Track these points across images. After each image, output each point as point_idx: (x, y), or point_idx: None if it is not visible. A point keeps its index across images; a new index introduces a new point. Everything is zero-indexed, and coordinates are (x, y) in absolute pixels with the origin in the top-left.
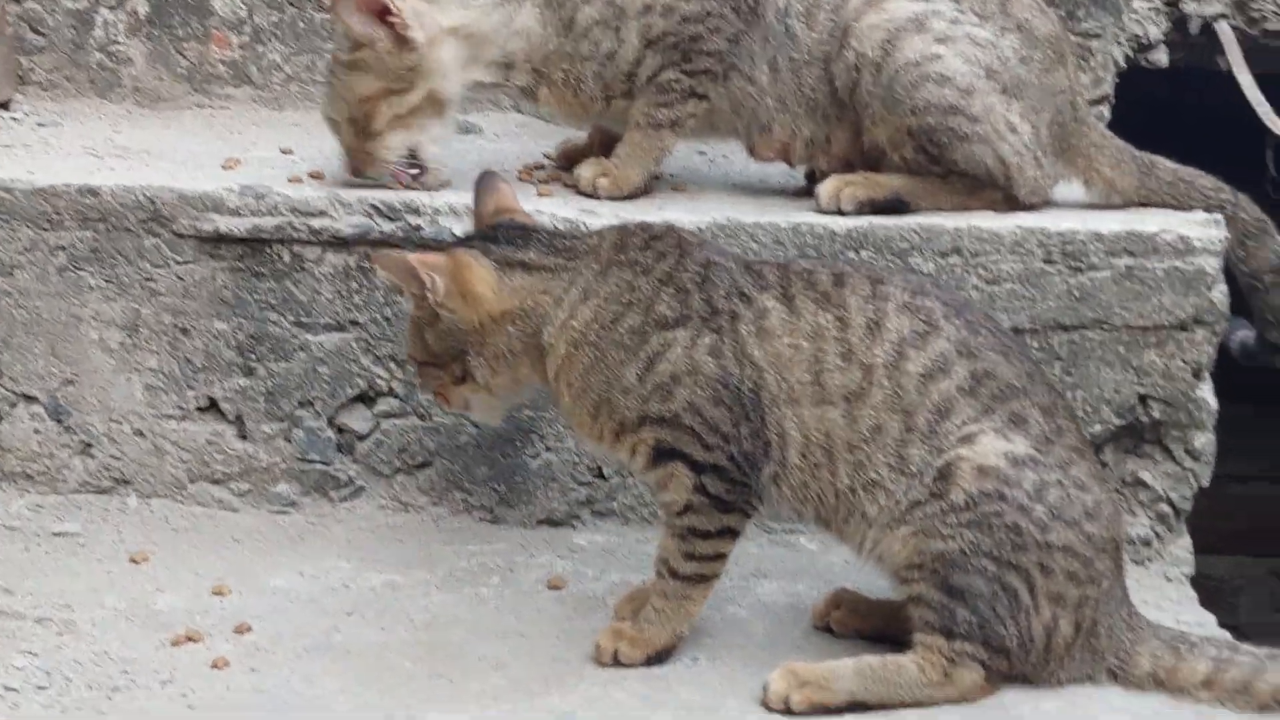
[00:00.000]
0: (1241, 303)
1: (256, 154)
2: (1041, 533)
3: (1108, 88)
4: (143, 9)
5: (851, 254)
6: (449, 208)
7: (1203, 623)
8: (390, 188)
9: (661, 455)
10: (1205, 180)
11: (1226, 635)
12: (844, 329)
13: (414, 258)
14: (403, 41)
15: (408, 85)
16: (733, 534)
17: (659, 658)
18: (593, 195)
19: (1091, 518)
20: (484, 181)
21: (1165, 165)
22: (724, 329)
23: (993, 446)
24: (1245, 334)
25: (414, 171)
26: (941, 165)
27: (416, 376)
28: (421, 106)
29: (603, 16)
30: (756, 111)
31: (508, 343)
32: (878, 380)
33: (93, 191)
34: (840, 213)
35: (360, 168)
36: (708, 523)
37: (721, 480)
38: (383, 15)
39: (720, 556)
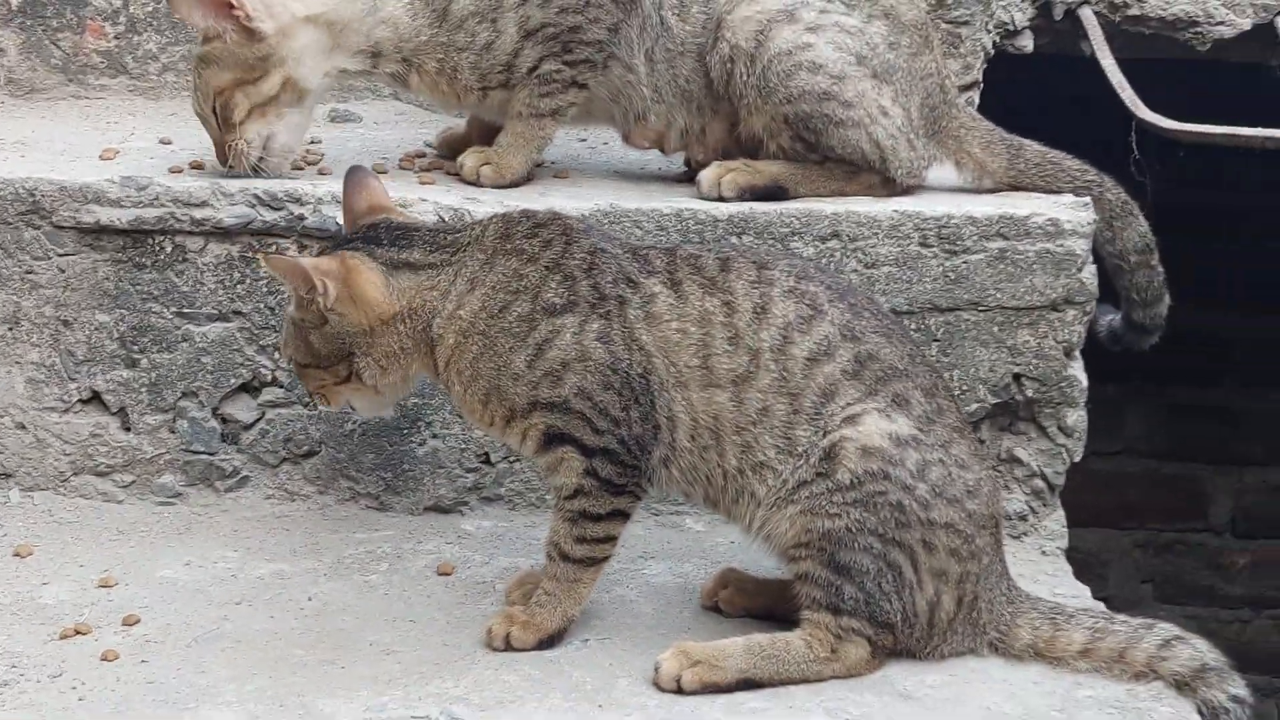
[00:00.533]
0: (1107, 285)
1: (135, 144)
2: (924, 510)
3: (977, 74)
4: None
5: (734, 239)
6: (332, 196)
7: (1078, 594)
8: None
9: (551, 440)
10: (1072, 162)
11: (1101, 606)
12: (731, 314)
13: (307, 262)
14: (249, 32)
15: (261, 74)
16: (623, 516)
17: (551, 641)
18: (476, 184)
19: (972, 495)
20: (353, 176)
21: (1033, 147)
22: (612, 314)
23: (876, 427)
24: (1112, 319)
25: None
26: (818, 151)
27: (299, 378)
28: (278, 96)
29: (479, 8)
30: (634, 100)
31: (398, 342)
32: (764, 364)
33: None
34: (721, 199)
35: (226, 160)
36: (598, 506)
37: (612, 464)
38: (227, 7)
39: (610, 539)
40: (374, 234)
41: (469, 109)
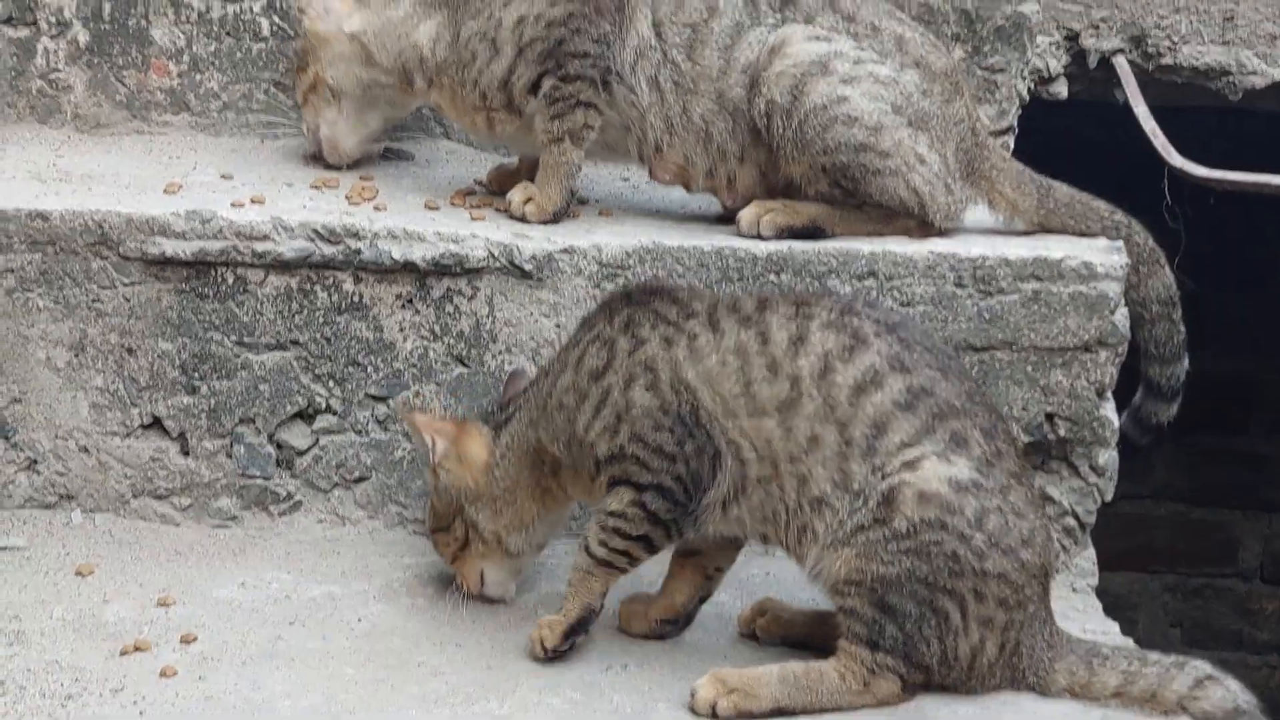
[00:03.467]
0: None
1: (197, 179)
2: (979, 560)
3: (1012, 119)
4: (83, 38)
5: (772, 277)
6: (388, 231)
7: (1107, 630)
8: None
9: (614, 484)
10: (1100, 203)
11: (1131, 643)
12: (764, 343)
13: (421, 420)
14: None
15: (303, 65)
16: (649, 545)
17: (575, 630)
18: (522, 219)
19: (1026, 544)
20: (511, 375)
21: (1062, 188)
22: (654, 360)
23: (935, 471)
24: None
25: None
26: (856, 198)
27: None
28: (315, 88)
29: (482, 29)
30: (646, 130)
31: (505, 478)
32: (806, 390)
33: (42, 216)
34: (760, 238)
35: None
36: (632, 527)
37: (663, 499)
38: None
39: (630, 556)
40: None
41: (479, 135)
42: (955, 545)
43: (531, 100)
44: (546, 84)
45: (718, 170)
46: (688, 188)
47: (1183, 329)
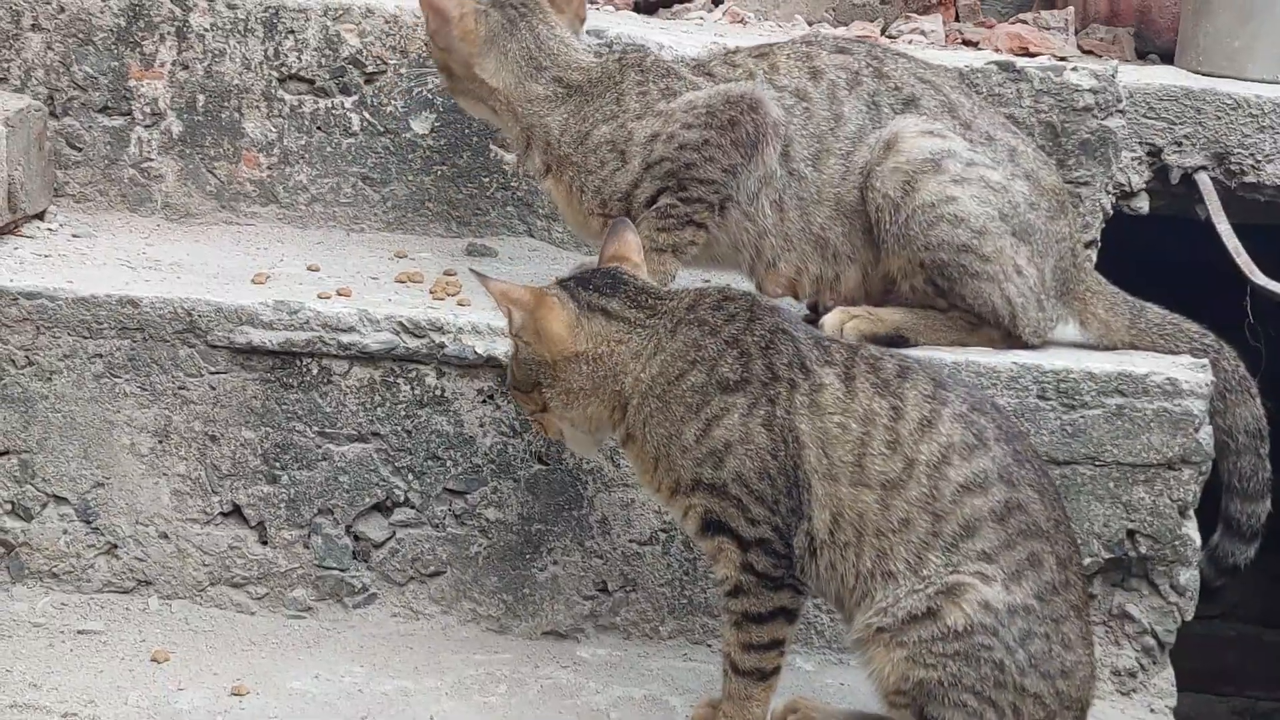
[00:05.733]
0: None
1: (284, 270)
2: (1020, 675)
3: (1095, 233)
4: (176, 128)
5: None
6: (471, 326)
7: None
8: None
9: (709, 526)
10: (1191, 325)
11: None
12: (896, 419)
13: (500, 287)
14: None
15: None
16: (786, 615)
17: None
18: None
19: (1066, 676)
20: (615, 226)
21: (1154, 310)
22: (779, 398)
23: (999, 589)
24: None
25: None
26: (948, 298)
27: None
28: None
29: (613, 138)
30: (760, 248)
31: (579, 381)
32: (917, 476)
33: (133, 302)
34: None
35: None
36: (759, 604)
37: (767, 555)
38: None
39: (776, 644)
40: (591, 277)
41: (589, 235)
42: (1003, 655)
43: (645, 210)
44: (663, 200)
45: (826, 273)
46: (796, 297)
47: (1269, 466)
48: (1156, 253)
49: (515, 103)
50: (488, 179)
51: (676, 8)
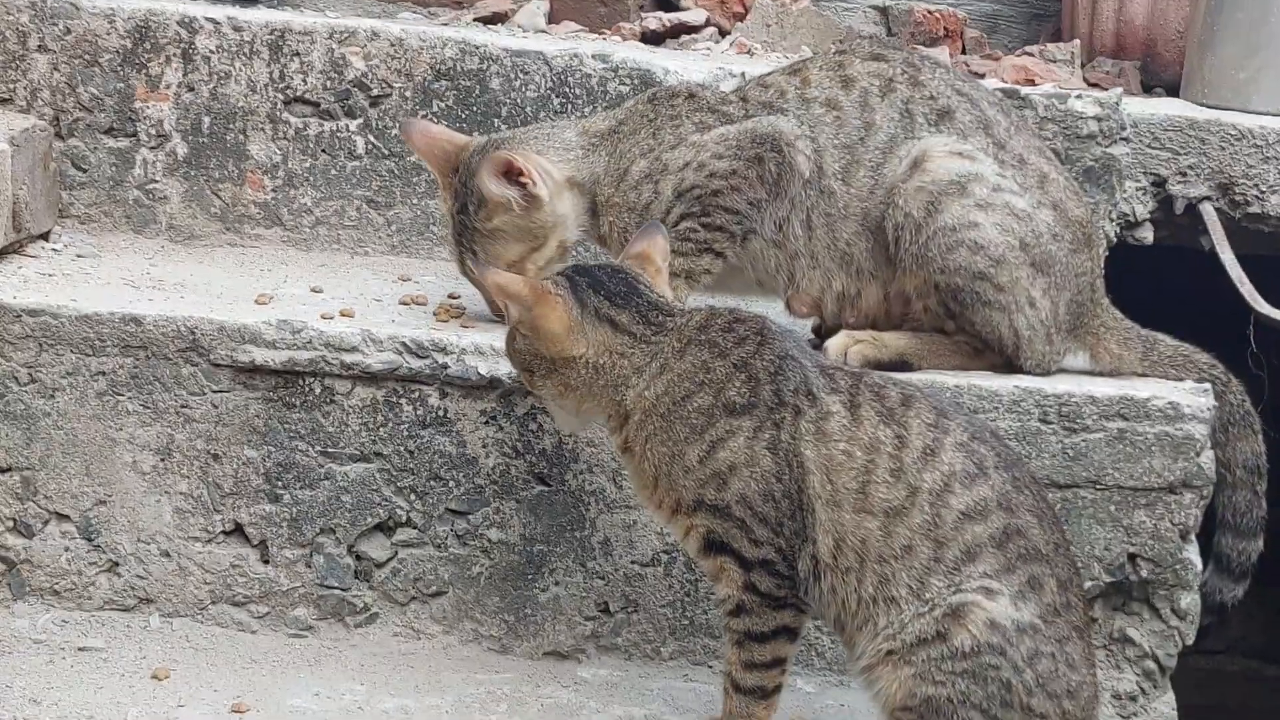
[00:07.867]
0: None
1: (288, 291)
2: (1027, 695)
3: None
4: (181, 150)
5: None
6: (475, 347)
7: None
8: None
9: (712, 546)
10: (1201, 357)
11: None
12: (901, 447)
13: (498, 278)
14: (532, 199)
15: (542, 241)
16: (788, 634)
17: None
18: None
19: (1072, 696)
20: (647, 228)
21: (1166, 342)
22: (784, 423)
23: (1005, 606)
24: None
25: None
26: (957, 321)
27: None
28: (553, 259)
29: (649, 171)
30: (792, 271)
31: (576, 382)
32: (919, 504)
33: (136, 320)
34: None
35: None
36: (762, 623)
37: (770, 575)
38: (512, 175)
39: (777, 662)
40: (606, 279)
41: None
42: (1010, 675)
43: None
44: (685, 224)
45: (849, 290)
46: (822, 317)
47: (1264, 504)
48: (1161, 282)
49: (582, 183)
50: None
51: (684, 38)
